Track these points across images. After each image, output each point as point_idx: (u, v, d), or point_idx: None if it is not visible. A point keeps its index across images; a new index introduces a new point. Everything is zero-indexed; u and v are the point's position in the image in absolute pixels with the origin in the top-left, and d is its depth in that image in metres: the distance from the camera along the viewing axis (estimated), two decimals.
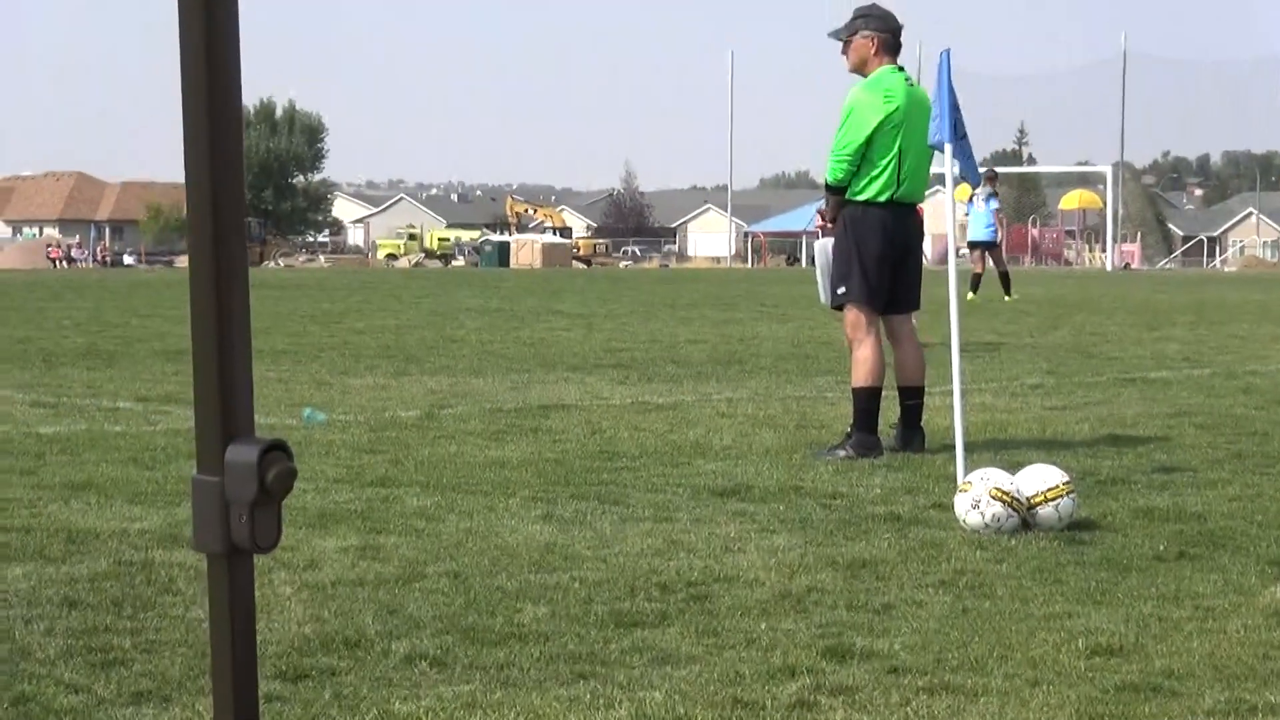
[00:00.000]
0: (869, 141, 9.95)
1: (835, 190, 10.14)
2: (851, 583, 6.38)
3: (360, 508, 7.84)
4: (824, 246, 10.45)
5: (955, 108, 8.83)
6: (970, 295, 31.30)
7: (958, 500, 7.58)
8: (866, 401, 10.01)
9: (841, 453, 9.78)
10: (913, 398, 10.17)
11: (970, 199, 31.75)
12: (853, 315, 10.16)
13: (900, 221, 10.13)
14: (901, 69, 10.21)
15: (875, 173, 10.00)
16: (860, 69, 10.18)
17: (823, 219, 10.46)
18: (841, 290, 10.19)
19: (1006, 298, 31.34)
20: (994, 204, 32.62)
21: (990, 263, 32.46)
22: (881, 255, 10.05)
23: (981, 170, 39.32)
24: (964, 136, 8.98)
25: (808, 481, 8.85)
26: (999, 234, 33.19)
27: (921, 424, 10.18)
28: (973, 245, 32.71)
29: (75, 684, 4.85)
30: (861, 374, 10.04)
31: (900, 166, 9.99)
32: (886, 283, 10.10)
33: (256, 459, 1.59)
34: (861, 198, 10.05)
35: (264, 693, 4.66)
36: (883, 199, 10.03)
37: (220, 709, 1.64)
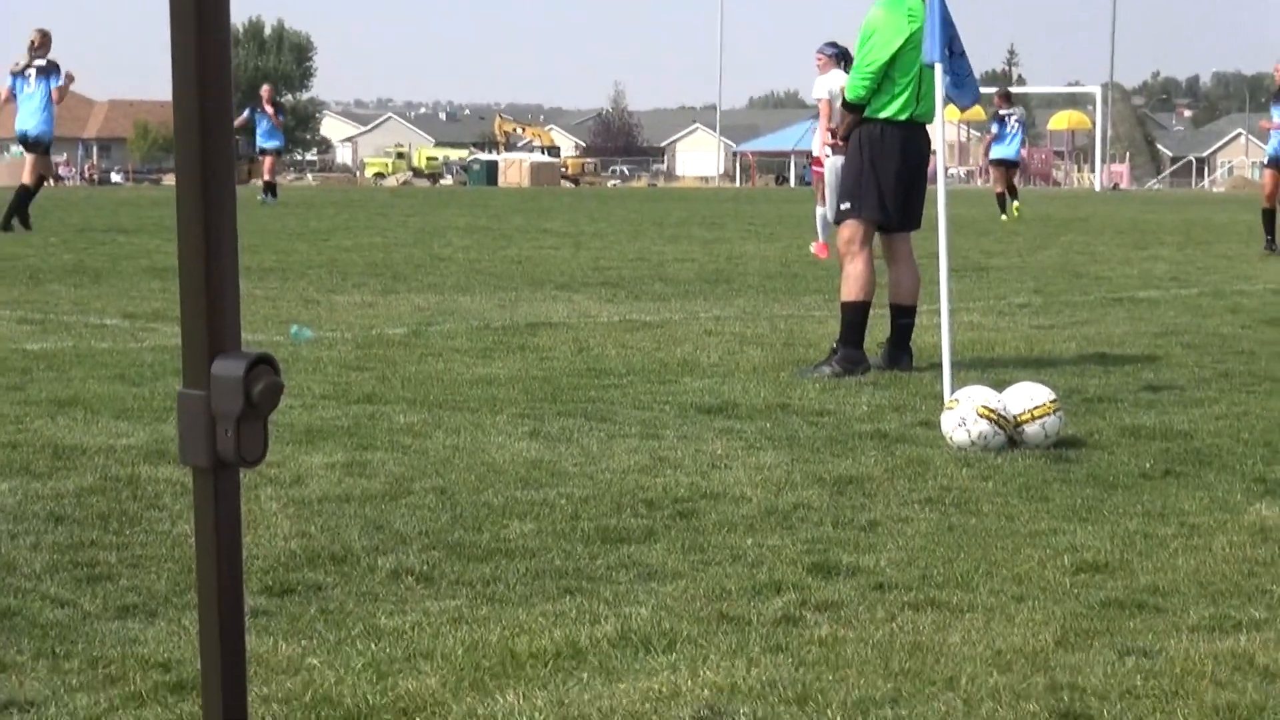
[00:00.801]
0: (892, 60, 9.91)
1: (853, 108, 10.11)
2: (838, 499, 6.40)
3: (347, 424, 7.84)
4: (834, 164, 10.43)
5: (949, 24, 8.79)
6: (1017, 207, 31.55)
7: (944, 418, 7.59)
8: (855, 315, 10.01)
9: (827, 369, 9.78)
10: (905, 316, 10.18)
11: (1001, 119, 31.84)
12: (848, 231, 10.15)
13: (915, 140, 10.12)
14: None
15: (896, 91, 9.96)
16: None
17: (834, 136, 10.40)
18: (845, 205, 10.18)
19: (1003, 216, 31.44)
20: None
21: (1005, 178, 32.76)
22: (899, 174, 10.04)
23: (994, 90, 39.09)
24: (961, 54, 8.94)
25: (794, 399, 8.86)
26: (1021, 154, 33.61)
27: (910, 344, 10.18)
28: (998, 163, 32.82)
29: (61, 598, 4.86)
30: (852, 289, 10.04)
31: (920, 85, 9.95)
32: (900, 201, 10.08)
33: (243, 373, 1.58)
34: (881, 116, 10.01)
35: (250, 607, 4.67)
36: (903, 117, 10.00)
37: (206, 623, 1.64)
